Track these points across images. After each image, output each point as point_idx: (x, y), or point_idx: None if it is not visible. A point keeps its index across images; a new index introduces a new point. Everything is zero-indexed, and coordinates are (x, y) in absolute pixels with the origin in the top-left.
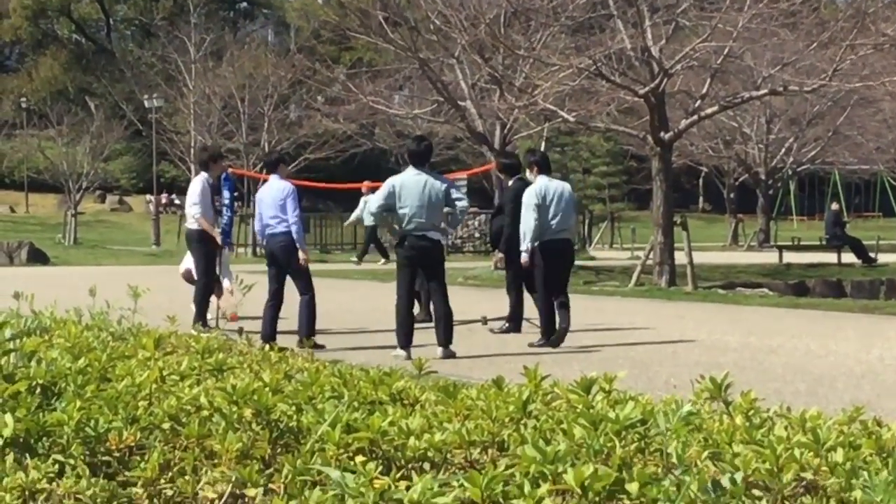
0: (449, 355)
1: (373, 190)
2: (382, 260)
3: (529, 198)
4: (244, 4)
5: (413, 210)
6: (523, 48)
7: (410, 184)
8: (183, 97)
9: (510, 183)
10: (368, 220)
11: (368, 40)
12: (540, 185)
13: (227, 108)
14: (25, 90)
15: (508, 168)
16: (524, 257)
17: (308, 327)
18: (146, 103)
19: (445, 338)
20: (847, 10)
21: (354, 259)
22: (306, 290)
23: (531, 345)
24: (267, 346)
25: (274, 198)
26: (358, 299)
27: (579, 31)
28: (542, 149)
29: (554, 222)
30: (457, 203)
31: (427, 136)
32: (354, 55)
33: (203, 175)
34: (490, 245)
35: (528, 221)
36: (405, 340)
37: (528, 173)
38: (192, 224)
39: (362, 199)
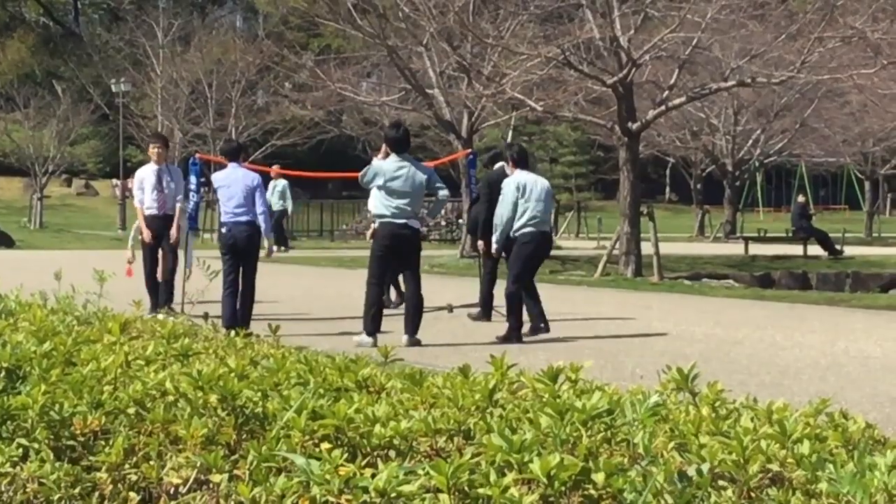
0: (415, 343)
1: (281, 175)
2: (282, 248)
3: (509, 190)
4: None
5: (396, 198)
6: (492, 37)
7: (395, 172)
8: (150, 82)
9: (494, 168)
10: (277, 205)
11: (337, 27)
12: (519, 179)
13: (194, 93)
14: None
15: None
16: (494, 247)
17: (243, 317)
18: (113, 87)
19: (414, 326)
20: (815, 3)
21: (283, 249)
22: (251, 281)
23: (498, 338)
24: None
25: (242, 187)
26: (324, 286)
27: (548, 21)
28: (510, 138)
29: (536, 214)
30: (439, 192)
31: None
32: (323, 42)
33: (151, 165)
34: (469, 233)
35: (505, 213)
36: (373, 327)
37: (505, 166)
38: (146, 210)
39: (271, 185)
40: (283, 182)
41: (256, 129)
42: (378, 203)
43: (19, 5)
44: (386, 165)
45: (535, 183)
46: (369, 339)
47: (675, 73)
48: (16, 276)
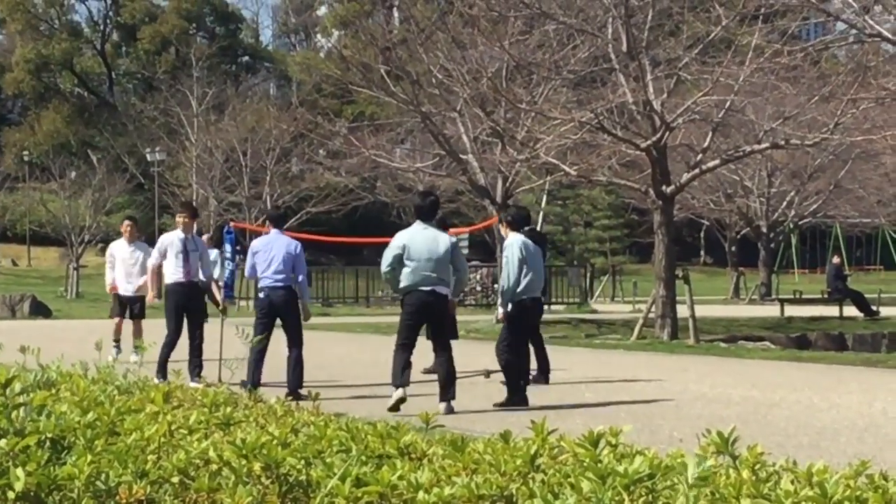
0: (450, 411)
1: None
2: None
3: (514, 253)
4: (246, 58)
5: (421, 264)
6: (525, 102)
7: (419, 239)
8: (185, 150)
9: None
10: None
11: (370, 94)
12: (523, 241)
13: (229, 161)
14: (28, 143)
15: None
16: (500, 313)
17: (297, 380)
18: (148, 156)
19: (448, 394)
20: (848, 65)
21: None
22: (297, 343)
23: (496, 405)
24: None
25: (283, 253)
26: (360, 352)
27: (581, 85)
28: (544, 202)
29: (530, 280)
30: (457, 272)
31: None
32: (356, 109)
33: (177, 232)
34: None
35: (513, 277)
36: (401, 381)
37: (501, 229)
38: (167, 279)
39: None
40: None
41: (291, 196)
42: (404, 273)
43: (54, 76)
44: (409, 234)
45: (533, 248)
46: (399, 391)
47: (708, 136)
48: (55, 345)
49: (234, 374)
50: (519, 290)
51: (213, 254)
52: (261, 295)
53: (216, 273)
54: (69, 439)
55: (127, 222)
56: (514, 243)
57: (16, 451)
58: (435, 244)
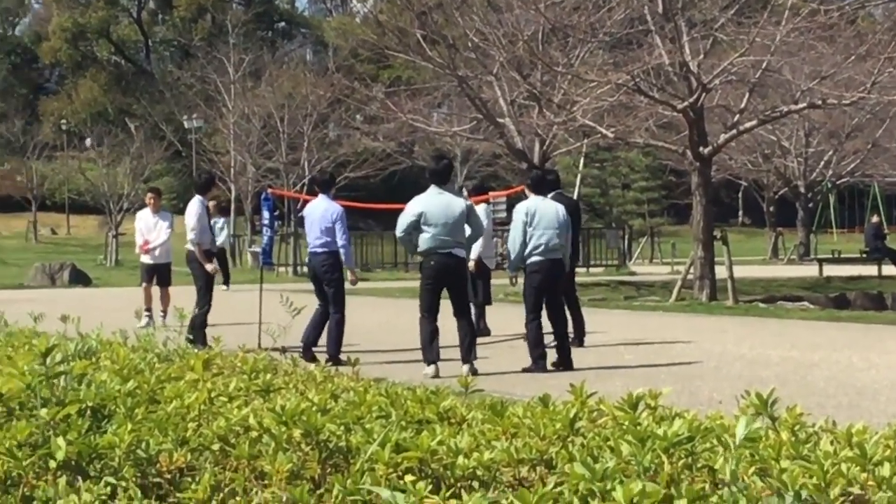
0: (473, 372)
1: (220, 210)
2: (223, 286)
3: (518, 217)
4: (282, 24)
5: (438, 229)
6: (561, 65)
7: (433, 203)
8: (222, 117)
9: (548, 197)
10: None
11: (407, 59)
12: (530, 205)
13: (266, 127)
14: (65, 112)
15: (548, 183)
16: (510, 274)
17: (336, 345)
18: (186, 124)
19: (469, 355)
20: (885, 23)
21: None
22: (337, 310)
23: (525, 369)
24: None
25: (322, 219)
26: (399, 317)
27: (617, 47)
28: (581, 165)
29: (542, 241)
30: (472, 228)
31: (465, 153)
32: (393, 73)
33: (198, 198)
34: None
35: (514, 240)
36: (432, 356)
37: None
38: (189, 245)
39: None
40: (222, 219)
41: (329, 162)
42: (421, 238)
43: (91, 45)
44: (424, 199)
45: (547, 210)
46: (431, 369)
47: (745, 97)
48: (95, 314)
49: (275, 340)
50: (528, 251)
51: (220, 222)
52: (307, 260)
53: (220, 239)
54: (109, 408)
55: (150, 194)
56: (519, 207)
57: (57, 421)
58: (450, 208)
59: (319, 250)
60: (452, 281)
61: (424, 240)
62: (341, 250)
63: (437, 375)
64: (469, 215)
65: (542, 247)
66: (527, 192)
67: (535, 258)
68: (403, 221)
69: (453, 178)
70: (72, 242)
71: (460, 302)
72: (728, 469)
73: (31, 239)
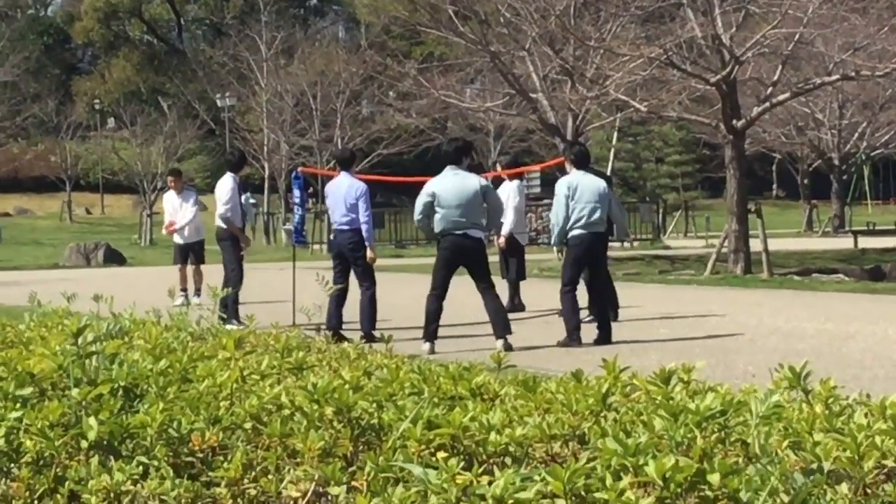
0: (508, 347)
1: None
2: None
3: (560, 191)
4: (314, 2)
5: (451, 210)
6: (594, 39)
7: (448, 184)
8: (255, 95)
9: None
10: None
11: (439, 35)
12: (571, 180)
13: (299, 105)
14: (98, 92)
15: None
16: (555, 246)
17: (370, 322)
18: (219, 102)
19: (503, 331)
20: None
21: None
22: (369, 285)
23: (560, 343)
24: (332, 335)
25: (346, 196)
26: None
27: (649, 21)
28: (615, 140)
29: (583, 215)
30: (492, 205)
31: (499, 128)
32: (425, 50)
33: (231, 175)
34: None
35: (558, 213)
36: (431, 334)
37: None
38: (220, 223)
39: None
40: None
41: (362, 138)
42: (436, 218)
43: (123, 24)
44: (438, 180)
45: (588, 184)
46: (427, 346)
47: (778, 69)
48: (128, 293)
49: (310, 318)
50: (570, 224)
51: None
52: (331, 237)
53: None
54: (142, 387)
55: (170, 177)
56: (561, 182)
57: (89, 401)
58: (464, 188)
59: (345, 227)
60: (469, 261)
61: (439, 220)
62: (363, 227)
63: (432, 352)
64: (486, 195)
65: (584, 220)
66: (568, 166)
67: (576, 231)
68: (419, 203)
69: (487, 153)
70: (106, 222)
71: (483, 280)
72: (757, 443)
73: (65, 219)
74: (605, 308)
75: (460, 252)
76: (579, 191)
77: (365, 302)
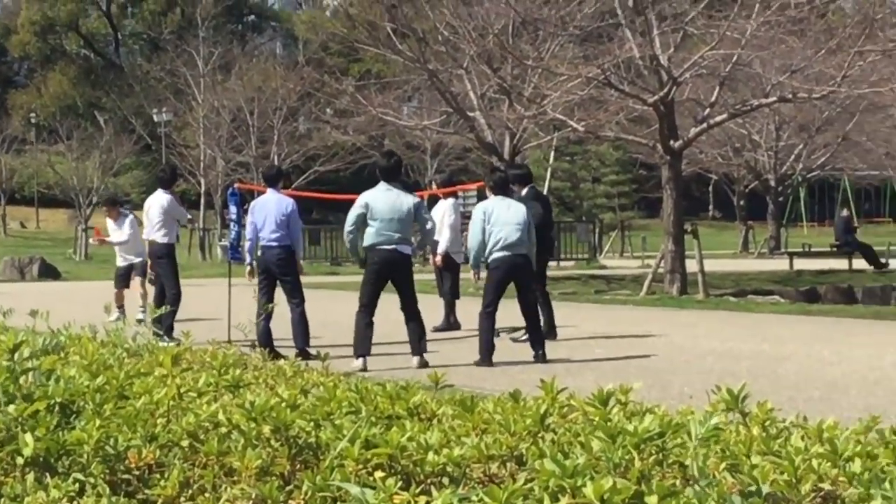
0: (423, 364)
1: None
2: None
3: (475, 217)
4: (252, 17)
5: (384, 224)
6: (532, 58)
7: (382, 198)
8: (192, 111)
9: (523, 192)
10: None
11: (377, 52)
12: (487, 205)
13: (236, 121)
14: (35, 105)
15: (520, 178)
16: (472, 272)
17: (303, 338)
18: (155, 117)
19: (420, 349)
20: (855, 17)
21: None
22: (299, 302)
23: (475, 363)
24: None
25: (274, 213)
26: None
27: (588, 41)
28: (552, 159)
29: (501, 238)
30: (426, 224)
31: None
32: (363, 67)
33: (162, 191)
34: None
35: (471, 239)
36: (363, 350)
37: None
38: (161, 239)
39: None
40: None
41: (299, 155)
42: (367, 232)
43: (60, 38)
44: (372, 193)
45: (506, 208)
46: (359, 363)
47: (715, 90)
48: (64, 308)
49: (246, 335)
50: (489, 248)
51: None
52: (259, 254)
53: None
54: (78, 404)
55: (104, 207)
56: (477, 207)
57: (24, 417)
58: (398, 204)
59: (274, 244)
60: (396, 276)
61: (369, 234)
62: (296, 244)
63: (364, 369)
64: (417, 213)
65: (502, 243)
66: (488, 192)
67: (497, 254)
68: (352, 215)
69: (424, 171)
70: (41, 236)
71: (408, 297)
72: (695, 465)
73: None
74: (539, 328)
75: (389, 266)
76: (495, 215)
77: (296, 318)
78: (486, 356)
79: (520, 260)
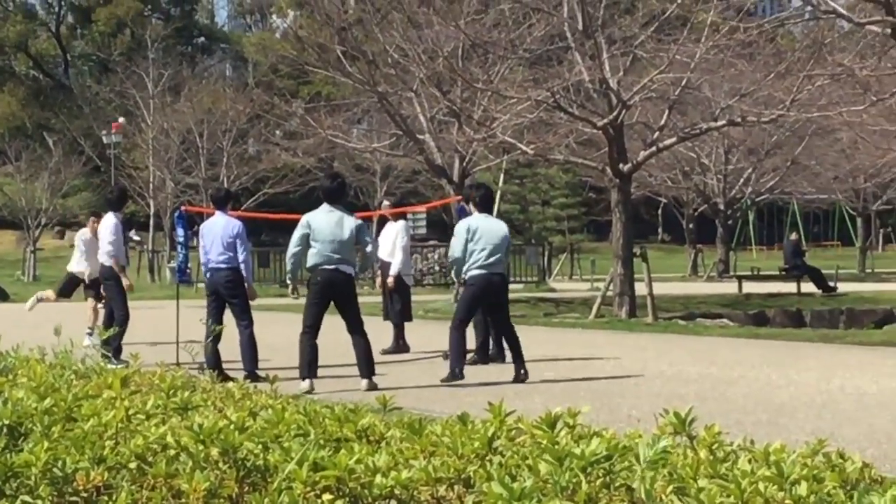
0: (373, 387)
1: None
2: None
3: (460, 232)
4: (202, 39)
5: (325, 245)
6: (481, 81)
7: (325, 219)
8: (141, 132)
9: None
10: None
11: (326, 74)
12: (472, 222)
13: (185, 143)
14: None
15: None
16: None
17: (252, 361)
18: (104, 139)
19: (368, 371)
20: (803, 41)
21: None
22: (248, 324)
23: (443, 380)
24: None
25: (223, 235)
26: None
27: (537, 64)
28: (501, 181)
29: (481, 256)
30: (367, 247)
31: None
32: (313, 89)
33: (112, 213)
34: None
35: (454, 255)
36: (309, 371)
37: (468, 205)
38: (106, 261)
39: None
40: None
41: (248, 177)
42: (310, 253)
43: (9, 59)
44: (315, 215)
45: (489, 227)
46: (307, 384)
47: (665, 114)
48: (13, 330)
49: (194, 358)
50: (468, 265)
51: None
52: (206, 276)
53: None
54: (26, 426)
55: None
56: (462, 222)
57: None
58: (339, 226)
59: (222, 266)
60: (340, 297)
61: (312, 255)
62: (242, 266)
63: (311, 391)
64: (359, 234)
65: (482, 261)
66: (471, 208)
67: (475, 272)
68: (296, 236)
69: (374, 193)
70: None
71: (352, 318)
72: (642, 489)
73: None
74: (519, 345)
75: (331, 287)
76: (479, 232)
77: (245, 341)
78: (458, 371)
79: (496, 279)
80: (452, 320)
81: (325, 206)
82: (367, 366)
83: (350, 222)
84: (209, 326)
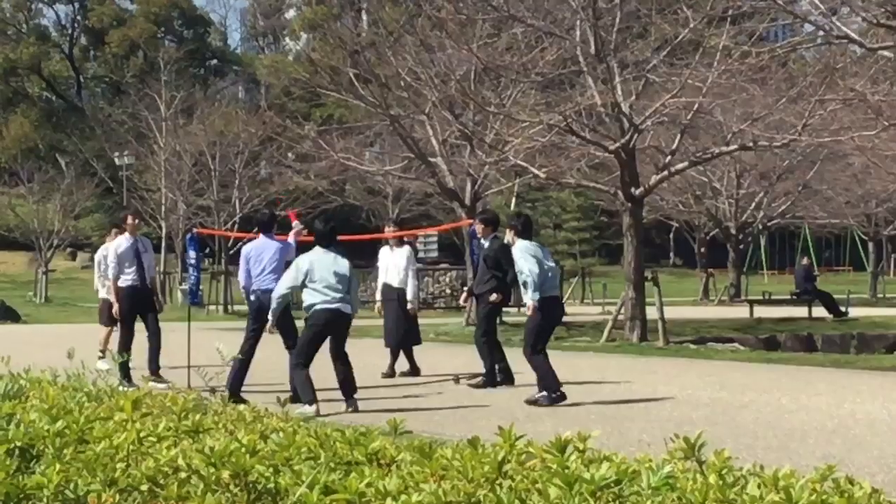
0: (353, 406)
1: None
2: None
3: (525, 251)
4: (214, 62)
5: (325, 285)
6: (493, 104)
7: (323, 260)
8: (153, 154)
9: (490, 238)
10: None
11: (339, 97)
12: (528, 245)
13: (197, 165)
14: None
15: (490, 223)
16: (528, 304)
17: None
18: (117, 161)
19: (350, 392)
20: (815, 66)
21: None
22: (294, 344)
23: (532, 400)
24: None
25: (275, 257)
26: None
27: (549, 88)
28: (513, 205)
29: (547, 280)
30: (357, 289)
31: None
32: (325, 112)
33: (122, 235)
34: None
35: (531, 272)
36: (311, 396)
37: (507, 234)
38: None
39: None
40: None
41: (260, 199)
42: (309, 293)
43: (22, 80)
44: (311, 257)
45: (542, 251)
46: (313, 408)
47: (677, 138)
48: (24, 351)
49: (207, 382)
50: (539, 286)
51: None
52: (251, 297)
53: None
54: (38, 448)
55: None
56: (520, 246)
57: None
58: (338, 266)
59: (273, 286)
60: (337, 333)
61: (311, 295)
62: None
63: (318, 413)
64: (352, 275)
65: (548, 283)
66: (511, 236)
67: (548, 294)
68: (290, 277)
69: (386, 216)
70: (1, 279)
71: (339, 346)
72: None
73: None
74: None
75: (333, 326)
76: (542, 255)
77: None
78: (557, 391)
79: (558, 302)
80: (524, 349)
81: (318, 249)
82: (350, 389)
83: (345, 263)
84: (242, 348)
